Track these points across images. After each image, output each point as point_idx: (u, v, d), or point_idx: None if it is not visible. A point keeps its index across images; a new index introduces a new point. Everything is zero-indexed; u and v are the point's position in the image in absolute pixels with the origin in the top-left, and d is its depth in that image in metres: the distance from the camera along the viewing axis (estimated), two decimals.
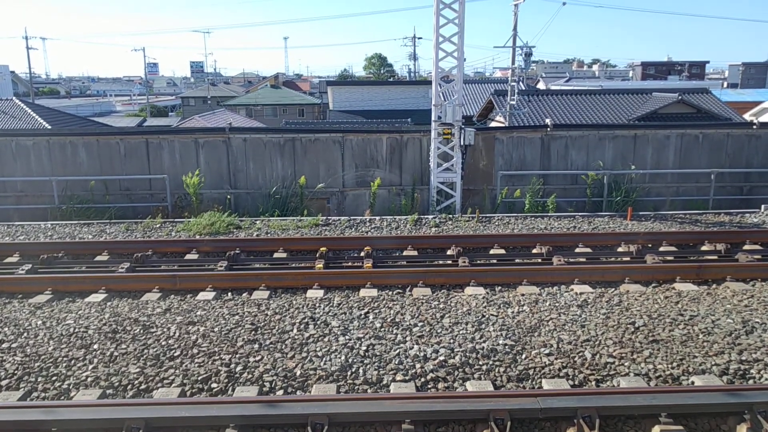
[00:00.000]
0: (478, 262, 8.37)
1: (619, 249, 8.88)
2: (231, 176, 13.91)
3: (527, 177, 13.74)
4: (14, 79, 63.67)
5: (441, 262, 8.48)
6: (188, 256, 8.74)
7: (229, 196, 13.50)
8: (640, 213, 11.49)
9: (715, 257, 8.48)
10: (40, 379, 5.14)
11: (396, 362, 5.31)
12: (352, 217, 11.16)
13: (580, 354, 5.44)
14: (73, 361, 5.41)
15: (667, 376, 5.09)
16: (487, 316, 6.32)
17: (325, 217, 11.15)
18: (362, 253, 8.65)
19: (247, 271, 7.90)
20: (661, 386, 4.96)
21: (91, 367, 5.31)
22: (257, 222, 10.91)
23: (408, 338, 5.80)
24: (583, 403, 4.45)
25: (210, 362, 5.36)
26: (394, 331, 5.96)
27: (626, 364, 5.26)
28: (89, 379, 5.10)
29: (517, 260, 8.51)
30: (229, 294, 7.21)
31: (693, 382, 5.00)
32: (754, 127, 14.68)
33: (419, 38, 63.09)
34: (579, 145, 14.22)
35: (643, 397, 4.55)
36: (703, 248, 8.93)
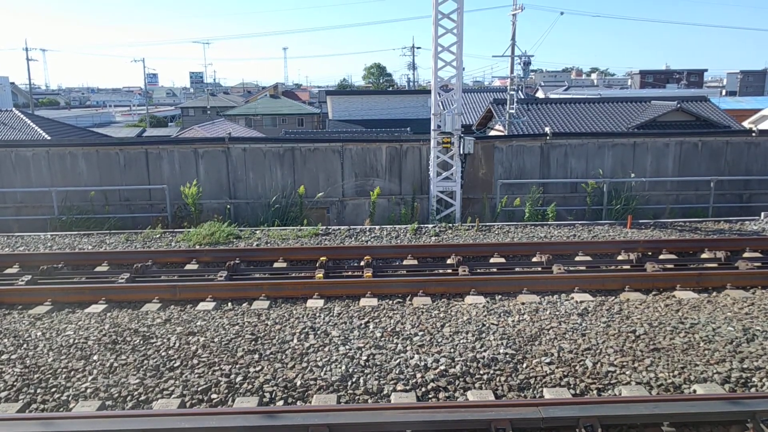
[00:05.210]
0: (478, 270, 8.36)
1: (619, 257, 8.87)
2: (231, 186, 13.93)
3: (527, 185, 13.75)
4: (14, 91, 63.80)
5: (441, 271, 8.46)
6: (188, 267, 8.73)
7: (228, 206, 13.50)
8: (640, 221, 11.49)
9: (716, 265, 8.47)
10: (39, 390, 5.12)
11: (396, 372, 5.29)
12: (351, 227, 11.16)
13: (581, 363, 5.43)
14: (72, 373, 5.39)
15: (669, 384, 5.07)
16: (487, 325, 6.30)
17: (324, 227, 11.15)
18: (362, 263, 8.64)
19: (247, 281, 7.89)
20: (662, 395, 4.94)
21: (90, 378, 5.29)
22: (257, 232, 10.90)
23: (408, 348, 5.78)
24: (584, 413, 4.43)
25: (210, 373, 5.35)
26: (395, 341, 5.94)
27: (627, 372, 5.25)
28: (88, 391, 5.08)
29: (517, 269, 8.50)
30: (229, 304, 7.20)
31: (695, 391, 4.99)
32: (753, 134, 14.72)
33: (418, 48, 63.37)
34: (578, 154, 14.25)
35: (645, 405, 4.54)
36: (703, 256, 8.92)
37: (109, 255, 9.10)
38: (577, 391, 5.01)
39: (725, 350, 5.62)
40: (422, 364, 5.41)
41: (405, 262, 8.86)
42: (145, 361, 5.57)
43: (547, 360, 5.47)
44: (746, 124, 25.29)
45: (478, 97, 40.79)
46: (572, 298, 7.17)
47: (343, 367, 5.39)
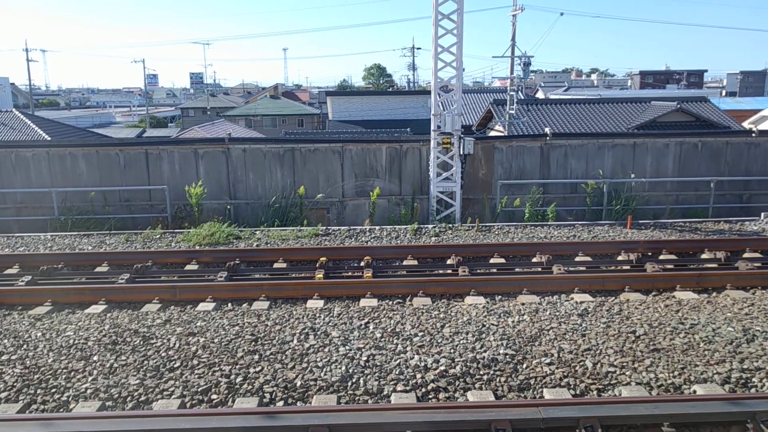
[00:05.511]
0: (478, 271, 8.36)
1: (619, 257, 8.87)
2: (231, 186, 13.93)
3: (527, 186, 13.75)
4: (14, 91, 63.79)
5: (441, 271, 8.47)
6: (188, 267, 8.73)
7: (228, 207, 13.50)
8: (640, 221, 11.49)
9: (716, 265, 8.47)
10: (39, 391, 5.12)
11: (396, 372, 5.29)
12: (351, 227, 11.16)
13: (581, 363, 5.43)
14: (72, 373, 5.39)
15: (669, 385, 5.07)
16: (487, 325, 6.30)
17: (324, 227, 11.15)
18: (362, 263, 8.64)
19: (247, 282, 7.89)
20: (662, 395, 4.94)
21: (90, 378, 5.29)
22: (257, 232, 10.90)
23: (408, 348, 5.78)
24: (585, 413, 4.43)
25: (210, 373, 5.35)
26: (395, 341, 5.94)
27: (627, 373, 5.25)
28: (89, 391, 5.08)
29: (517, 269, 8.50)
30: (229, 305, 7.20)
31: (695, 391, 4.99)
32: (753, 135, 14.72)
33: (418, 48, 63.46)
34: (578, 154, 14.25)
35: (645, 406, 4.54)
36: (703, 256, 8.93)
37: (109, 255, 9.10)
38: (577, 392, 5.01)
39: (725, 351, 5.62)
40: (422, 364, 5.41)
41: (405, 263, 8.86)
42: (145, 362, 5.57)
43: (547, 360, 5.47)
44: (746, 124, 25.29)
45: (478, 97, 40.82)
46: (572, 298, 7.17)
47: (343, 368, 5.39)
